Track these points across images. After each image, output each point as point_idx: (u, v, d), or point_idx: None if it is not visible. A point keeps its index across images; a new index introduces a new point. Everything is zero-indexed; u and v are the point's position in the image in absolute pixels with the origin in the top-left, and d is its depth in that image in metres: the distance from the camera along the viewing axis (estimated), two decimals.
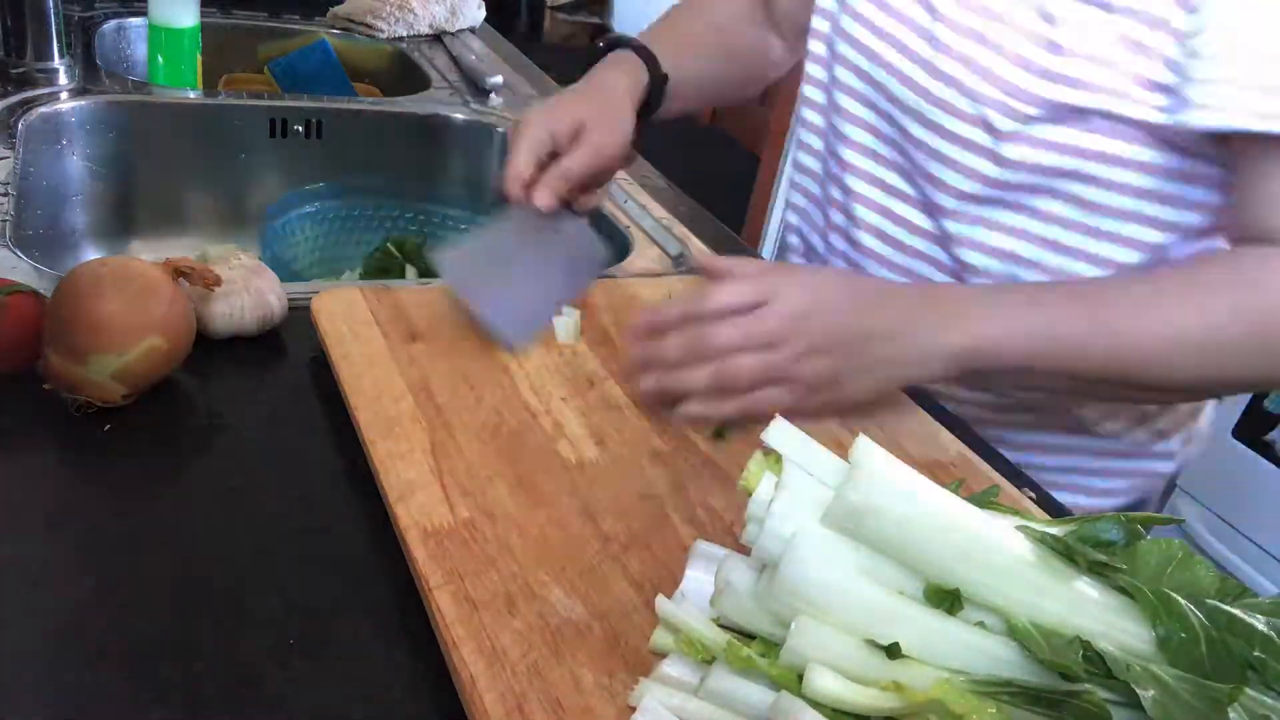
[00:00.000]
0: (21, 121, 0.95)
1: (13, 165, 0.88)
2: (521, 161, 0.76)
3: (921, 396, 0.73)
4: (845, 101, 0.85)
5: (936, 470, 0.65)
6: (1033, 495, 0.65)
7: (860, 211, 0.85)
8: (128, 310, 0.57)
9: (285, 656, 0.47)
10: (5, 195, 0.83)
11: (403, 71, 1.40)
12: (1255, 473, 1.65)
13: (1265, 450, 1.64)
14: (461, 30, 1.50)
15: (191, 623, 0.47)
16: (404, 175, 1.19)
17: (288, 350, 0.69)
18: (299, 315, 0.70)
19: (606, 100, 0.82)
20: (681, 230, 0.98)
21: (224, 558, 0.51)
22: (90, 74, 1.09)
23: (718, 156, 4.23)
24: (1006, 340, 0.64)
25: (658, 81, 0.86)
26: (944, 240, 0.80)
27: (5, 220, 0.78)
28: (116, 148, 1.07)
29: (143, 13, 1.19)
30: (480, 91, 1.28)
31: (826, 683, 0.40)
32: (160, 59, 1.13)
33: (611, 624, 0.49)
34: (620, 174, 1.10)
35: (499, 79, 1.29)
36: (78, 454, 0.57)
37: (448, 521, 0.53)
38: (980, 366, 0.64)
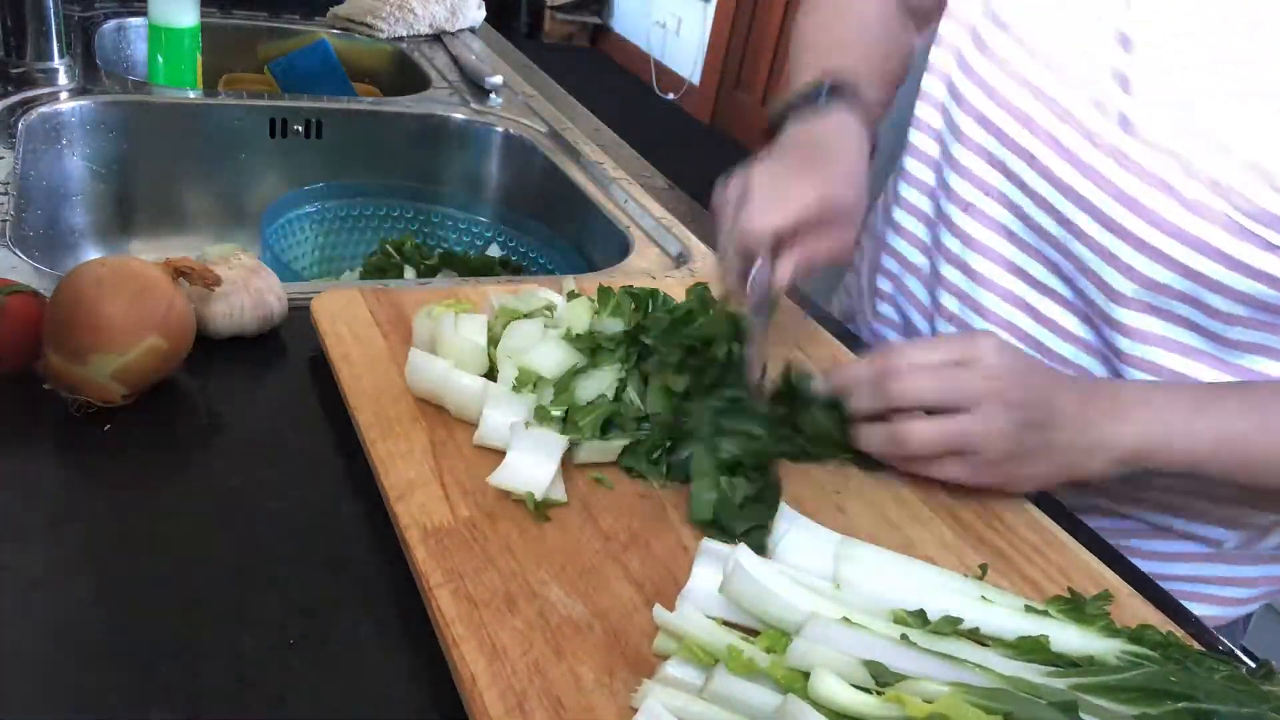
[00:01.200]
0: (21, 121, 0.95)
1: (13, 165, 0.88)
2: (783, 225, 0.64)
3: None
4: (969, 160, 0.72)
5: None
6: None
7: (989, 301, 0.74)
8: (128, 310, 0.57)
9: (285, 656, 0.47)
10: (5, 195, 0.83)
11: (403, 71, 1.40)
12: None
13: None
14: (461, 30, 1.50)
15: (191, 623, 0.47)
16: (404, 175, 1.19)
17: (288, 350, 0.69)
18: (299, 315, 0.70)
19: (864, 190, 0.70)
20: (681, 230, 0.98)
21: (224, 557, 0.51)
22: (90, 74, 1.09)
23: (718, 156, 4.24)
24: (1173, 441, 0.60)
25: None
26: (1104, 353, 0.70)
27: (5, 220, 0.78)
28: (116, 148, 1.07)
29: (143, 13, 1.19)
30: (480, 91, 1.29)
31: (832, 688, 0.41)
32: (160, 59, 1.13)
33: (612, 622, 0.49)
34: (620, 174, 1.10)
35: (499, 79, 1.29)
36: (78, 454, 0.57)
37: (448, 520, 0.53)
38: (1145, 466, 0.61)
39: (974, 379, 0.59)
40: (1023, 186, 0.69)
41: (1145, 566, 0.65)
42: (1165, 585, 0.63)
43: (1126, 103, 0.62)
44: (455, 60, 1.38)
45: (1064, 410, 0.60)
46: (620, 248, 0.97)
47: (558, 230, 1.09)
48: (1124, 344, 0.68)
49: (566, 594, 0.50)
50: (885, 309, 0.84)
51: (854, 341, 0.82)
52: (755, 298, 0.64)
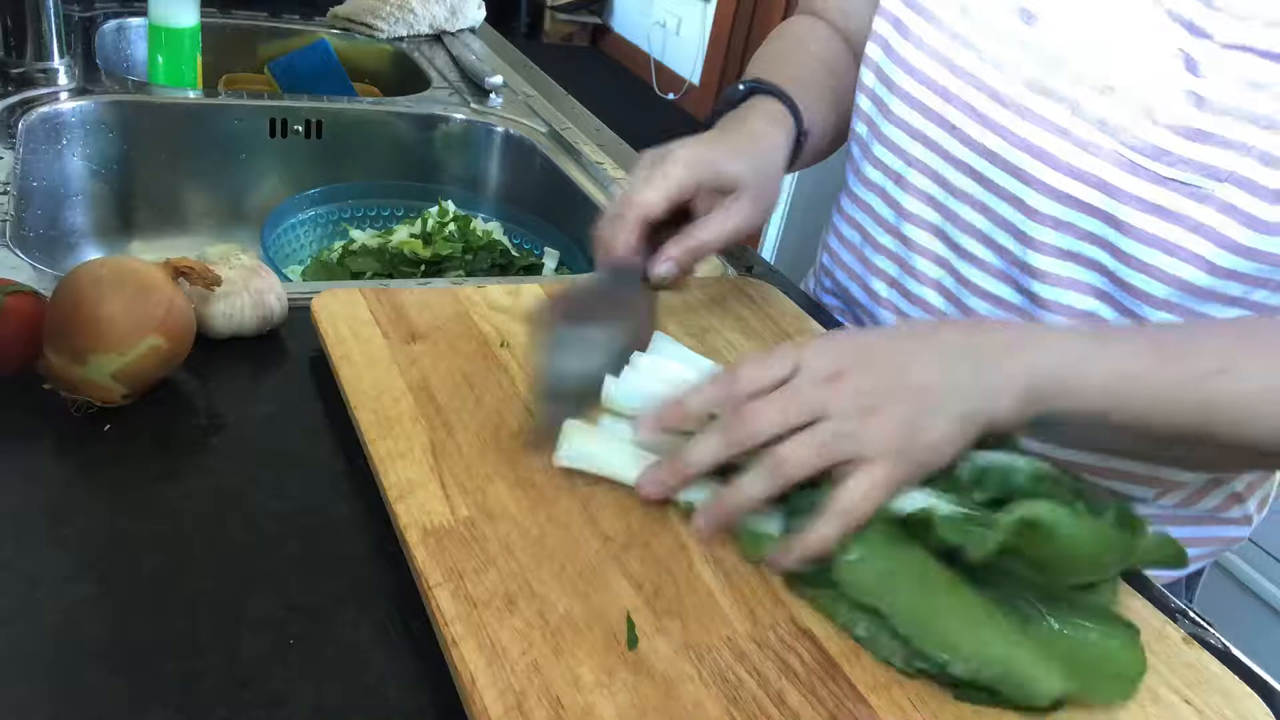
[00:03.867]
0: (21, 121, 0.95)
1: (13, 165, 0.88)
2: (654, 197, 0.64)
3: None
4: (897, 136, 0.77)
5: None
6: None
7: (920, 264, 0.78)
8: (128, 310, 0.57)
9: (285, 656, 0.47)
10: (5, 195, 0.83)
11: (403, 71, 1.40)
12: None
13: None
14: (461, 30, 1.50)
15: (191, 623, 0.47)
16: (404, 175, 1.19)
17: (288, 350, 0.69)
18: (299, 315, 0.70)
19: (767, 164, 0.70)
20: None
21: (224, 557, 0.51)
22: (90, 74, 1.09)
23: None
24: (1074, 376, 0.56)
25: (799, 139, 0.76)
26: (1023, 310, 0.73)
27: (5, 220, 0.78)
28: (116, 148, 1.07)
29: (143, 13, 1.19)
30: (480, 91, 1.29)
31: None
32: (160, 59, 1.13)
33: (611, 622, 0.49)
34: (620, 174, 1.10)
35: (499, 79, 1.29)
36: (78, 454, 0.57)
37: (447, 520, 0.53)
38: (1049, 404, 0.56)
39: (809, 386, 0.54)
40: (944, 155, 0.74)
41: None
42: None
43: (1027, 65, 0.68)
44: (455, 60, 1.38)
45: (931, 360, 0.55)
46: None
47: (558, 230, 1.09)
48: (1040, 289, 0.70)
49: (566, 593, 0.50)
50: (828, 281, 0.90)
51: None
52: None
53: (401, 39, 1.43)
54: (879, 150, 0.80)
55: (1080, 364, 0.56)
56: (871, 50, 0.79)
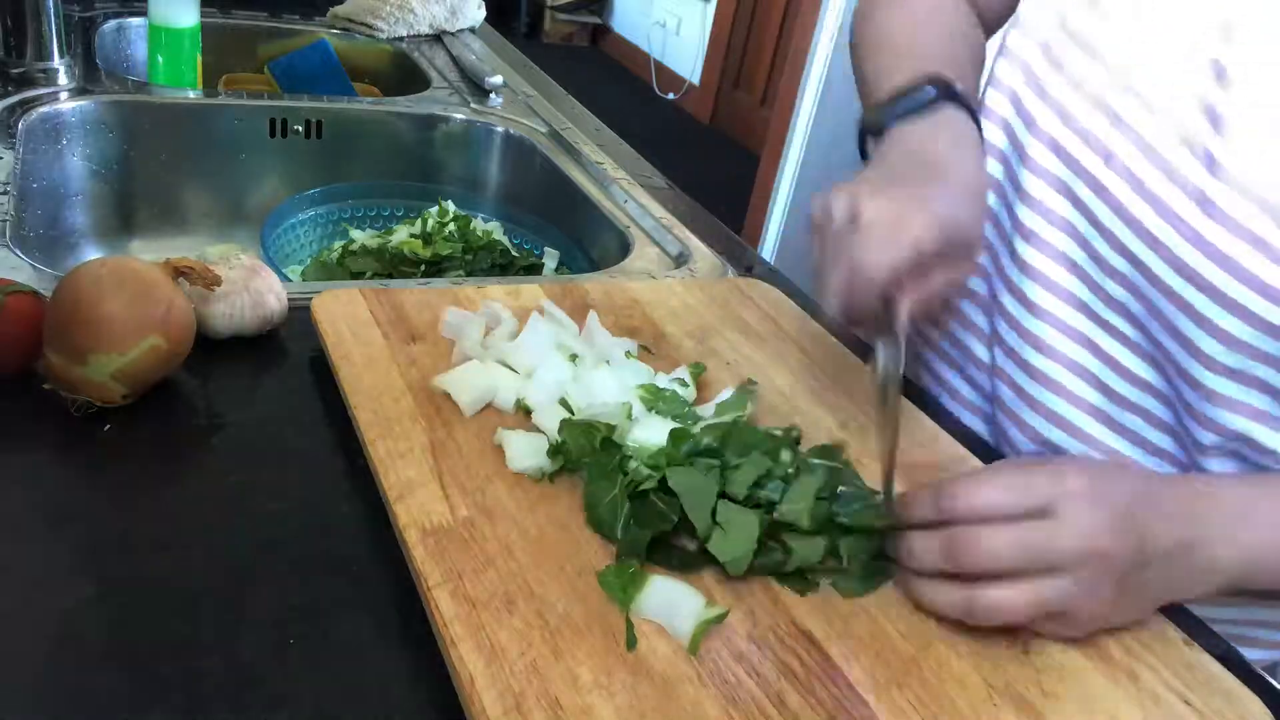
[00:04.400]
0: (21, 121, 0.95)
1: (13, 165, 0.88)
2: (904, 262, 0.54)
3: None
4: (1035, 186, 0.66)
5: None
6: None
7: (1048, 334, 0.67)
8: (128, 310, 0.57)
9: (285, 656, 0.47)
10: (5, 195, 0.83)
11: (403, 71, 1.40)
12: None
13: None
14: (461, 30, 1.50)
15: (191, 623, 0.47)
16: (404, 175, 1.19)
17: (288, 350, 0.69)
18: (299, 315, 0.70)
19: (982, 213, 0.61)
20: (681, 230, 0.98)
21: (224, 557, 0.51)
22: (90, 74, 1.09)
23: (718, 156, 4.24)
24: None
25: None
26: (1171, 399, 0.64)
27: (5, 220, 0.78)
28: (116, 148, 1.07)
29: (143, 13, 1.19)
30: (480, 91, 1.29)
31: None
32: (160, 59, 1.13)
33: (610, 623, 0.49)
34: (620, 174, 1.10)
35: (499, 79, 1.29)
36: (78, 454, 0.57)
37: (447, 520, 0.53)
38: (1255, 585, 0.54)
39: (1062, 538, 0.50)
40: (1092, 220, 0.63)
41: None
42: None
43: (1215, 142, 0.57)
44: (455, 60, 1.38)
45: (1158, 547, 0.52)
46: (620, 247, 0.97)
47: (558, 230, 1.09)
48: (1195, 400, 0.62)
49: (565, 594, 0.50)
50: (941, 340, 0.78)
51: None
52: (881, 379, 0.57)
53: (401, 39, 1.43)
54: (1012, 198, 0.69)
55: None
56: (1006, 73, 0.68)
